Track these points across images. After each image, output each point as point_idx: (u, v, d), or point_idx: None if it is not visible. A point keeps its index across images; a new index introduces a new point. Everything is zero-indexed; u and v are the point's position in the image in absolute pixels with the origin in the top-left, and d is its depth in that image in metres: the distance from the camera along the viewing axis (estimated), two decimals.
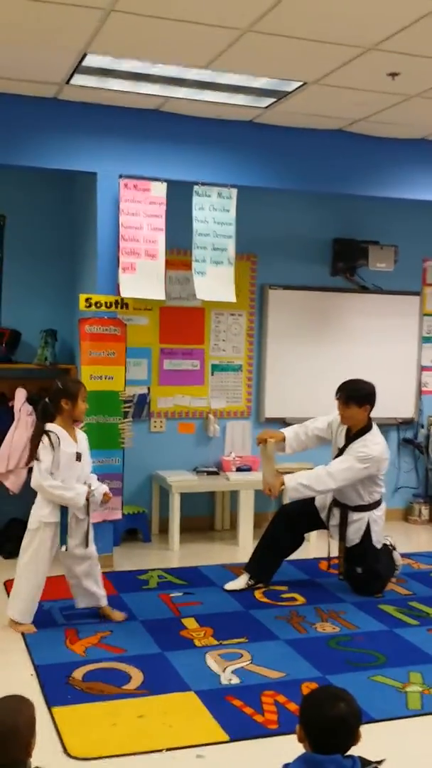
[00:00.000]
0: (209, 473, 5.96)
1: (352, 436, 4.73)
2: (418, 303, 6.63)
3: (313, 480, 4.61)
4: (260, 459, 5.01)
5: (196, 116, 5.12)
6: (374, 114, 5.02)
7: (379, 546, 4.80)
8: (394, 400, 6.55)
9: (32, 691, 3.37)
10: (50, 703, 3.32)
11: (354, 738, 2.03)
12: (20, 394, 5.41)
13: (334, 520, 4.80)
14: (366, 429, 4.71)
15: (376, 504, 4.77)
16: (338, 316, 6.41)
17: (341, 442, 4.78)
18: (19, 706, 2.07)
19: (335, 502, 4.81)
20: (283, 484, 4.65)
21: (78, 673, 3.62)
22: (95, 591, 4.24)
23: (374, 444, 4.66)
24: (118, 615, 4.31)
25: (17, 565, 4.19)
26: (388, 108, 4.88)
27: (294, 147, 5.36)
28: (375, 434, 4.71)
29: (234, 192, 5.19)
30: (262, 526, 6.12)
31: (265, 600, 4.68)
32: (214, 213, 5.15)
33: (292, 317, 6.28)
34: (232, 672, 3.68)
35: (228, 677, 3.62)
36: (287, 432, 4.91)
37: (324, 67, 4.21)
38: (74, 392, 4.05)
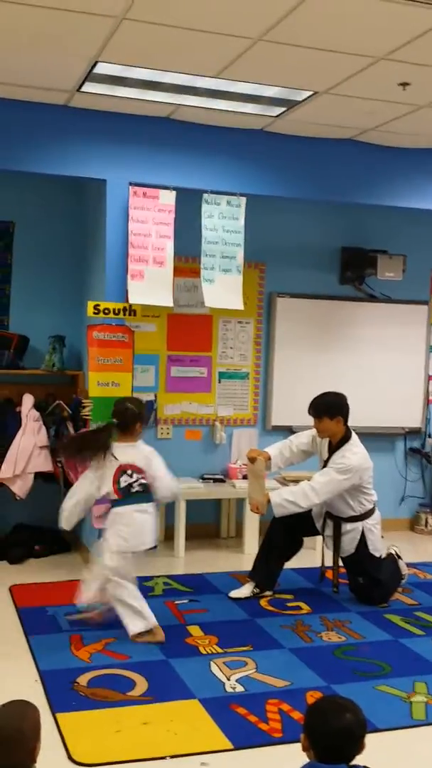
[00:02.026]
0: (215, 480, 5.96)
1: (333, 447, 4.75)
2: (426, 312, 6.62)
3: (297, 495, 4.62)
4: (248, 477, 5.00)
5: (206, 124, 5.14)
6: (384, 123, 5.03)
7: (377, 554, 4.79)
8: (401, 410, 6.54)
9: (37, 697, 3.37)
10: (55, 709, 3.32)
11: (359, 747, 2.02)
12: (27, 400, 5.42)
13: (329, 531, 4.81)
14: (345, 439, 4.72)
15: (369, 513, 4.77)
16: (346, 324, 6.41)
17: (325, 454, 4.81)
18: (24, 710, 2.06)
19: (329, 514, 4.81)
20: (269, 501, 4.66)
21: (83, 679, 3.61)
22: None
23: (353, 454, 4.66)
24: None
25: None
26: (399, 117, 4.89)
27: (304, 156, 5.38)
28: (354, 444, 4.72)
29: (243, 200, 5.20)
30: None
31: (270, 608, 4.67)
32: (223, 221, 5.17)
33: (300, 325, 6.28)
34: (237, 680, 3.66)
35: (233, 685, 3.61)
36: (271, 450, 4.92)
37: (335, 76, 4.23)
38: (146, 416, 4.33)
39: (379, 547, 4.81)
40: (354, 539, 4.73)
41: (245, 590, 4.82)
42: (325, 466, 4.76)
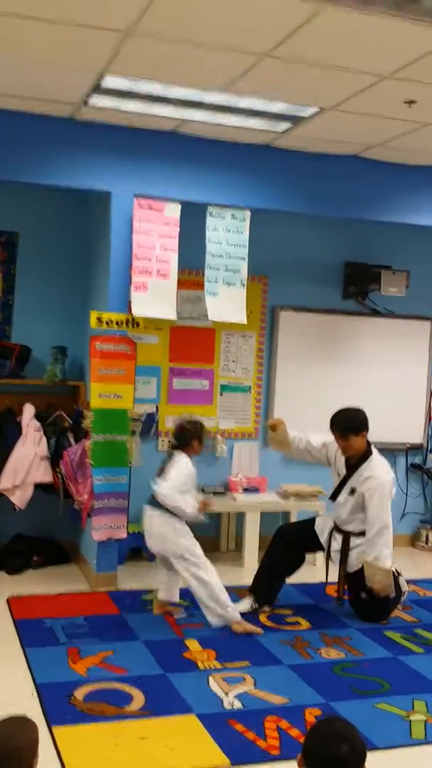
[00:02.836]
0: (216, 493, 5.94)
1: (353, 465, 4.73)
2: (429, 328, 6.62)
3: (388, 542, 4.60)
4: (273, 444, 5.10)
5: (212, 139, 5.16)
6: (390, 140, 5.05)
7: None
8: (402, 425, 6.53)
9: (33, 710, 3.34)
10: (51, 723, 3.29)
11: None
12: (28, 410, 5.42)
13: (336, 545, 4.78)
14: (367, 454, 4.71)
15: None
16: (348, 339, 6.41)
17: (342, 470, 4.79)
18: (22, 726, 2.05)
19: (337, 528, 4.79)
20: (385, 572, 4.60)
21: (79, 693, 3.59)
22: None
23: (384, 471, 4.67)
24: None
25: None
26: (404, 135, 4.91)
27: (309, 171, 5.40)
28: (379, 459, 4.72)
29: (247, 214, 5.22)
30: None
31: (269, 624, 4.64)
32: (228, 234, 5.18)
33: (303, 339, 6.28)
34: (235, 696, 3.64)
35: (231, 701, 3.59)
36: (291, 433, 4.93)
37: (341, 93, 4.25)
38: (202, 435, 4.68)
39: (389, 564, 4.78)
40: (361, 554, 4.70)
41: (244, 605, 4.80)
42: (342, 482, 4.73)
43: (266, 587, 4.84)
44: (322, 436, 4.91)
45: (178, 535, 4.47)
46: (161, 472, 4.59)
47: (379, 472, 4.64)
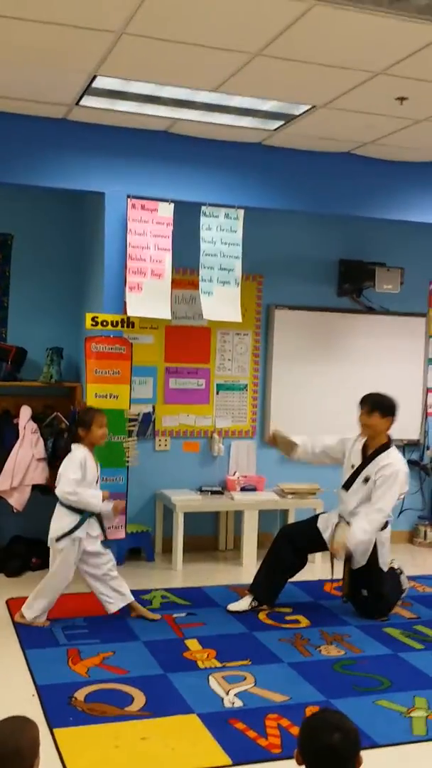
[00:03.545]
0: (213, 493, 5.94)
1: (369, 455, 4.68)
2: (424, 324, 6.63)
3: (363, 537, 4.58)
4: (280, 448, 5.03)
5: (204, 138, 5.16)
6: (382, 137, 5.06)
7: (385, 569, 4.77)
8: (399, 422, 6.49)
9: (34, 712, 3.34)
10: (52, 725, 3.29)
11: (351, 765, 1.99)
12: (25, 412, 5.41)
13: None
14: (386, 446, 4.68)
15: (384, 526, 4.74)
16: (344, 336, 6.41)
17: (356, 460, 4.73)
18: (22, 727, 2.03)
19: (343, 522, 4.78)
20: (347, 549, 4.60)
21: (80, 694, 3.59)
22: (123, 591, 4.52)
23: (400, 462, 4.66)
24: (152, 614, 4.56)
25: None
26: (396, 132, 4.92)
27: (302, 169, 5.40)
28: (395, 451, 4.71)
29: (241, 213, 5.22)
30: (266, 546, 6.10)
31: (269, 622, 4.65)
32: (221, 233, 5.18)
33: (298, 337, 6.29)
34: (236, 695, 3.64)
35: (231, 700, 3.59)
36: (297, 440, 4.90)
37: (333, 91, 4.25)
38: (88, 420, 4.42)
39: (386, 561, 4.79)
40: (367, 551, 4.69)
41: (243, 603, 4.80)
42: (354, 473, 4.69)
43: (267, 587, 4.84)
44: (333, 437, 4.91)
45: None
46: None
47: (396, 461, 4.63)
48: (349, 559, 4.73)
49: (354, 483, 4.71)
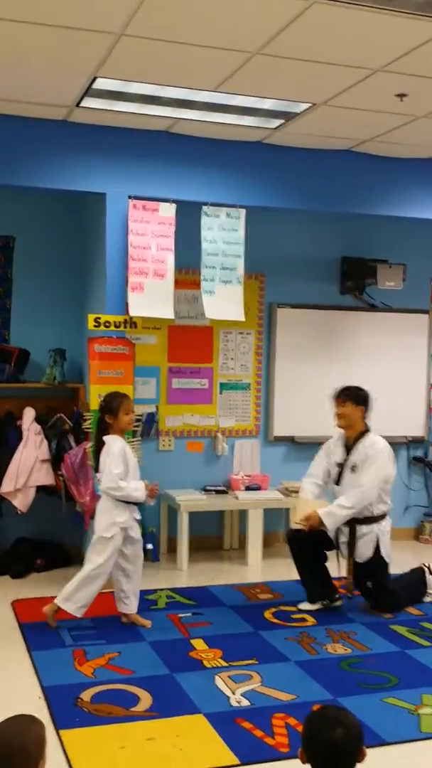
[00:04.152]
0: (218, 492, 5.94)
1: (351, 445, 4.75)
2: (427, 321, 6.62)
3: (346, 513, 4.60)
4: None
5: (205, 137, 5.16)
6: (382, 134, 5.05)
7: (388, 560, 4.78)
8: (403, 419, 6.53)
9: (40, 713, 3.33)
10: (58, 726, 3.29)
11: (355, 759, 1.99)
12: (28, 413, 5.42)
13: (344, 537, 4.77)
14: (365, 432, 4.75)
15: (382, 516, 4.76)
16: (347, 334, 6.41)
17: (339, 455, 4.80)
18: (28, 725, 2.02)
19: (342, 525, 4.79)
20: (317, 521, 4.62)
21: (86, 695, 3.59)
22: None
23: (378, 440, 4.71)
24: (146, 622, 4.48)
25: (87, 566, 4.35)
26: (396, 128, 4.91)
27: (302, 167, 5.39)
28: (375, 435, 4.75)
29: (242, 212, 5.22)
30: (271, 545, 6.12)
31: (275, 621, 4.64)
32: (223, 233, 5.18)
33: (301, 336, 6.28)
34: (242, 694, 3.64)
35: (238, 699, 3.59)
36: (312, 496, 4.86)
37: (332, 88, 4.25)
38: (115, 407, 4.37)
39: (389, 553, 4.79)
40: (371, 542, 4.70)
41: (312, 605, 4.83)
42: (341, 468, 4.74)
43: (319, 586, 4.85)
44: (316, 460, 4.96)
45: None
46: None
47: (377, 442, 4.70)
48: (352, 553, 4.72)
49: (343, 476, 4.76)
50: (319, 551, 4.90)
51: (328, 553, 4.91)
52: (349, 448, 4.78)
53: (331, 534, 4.80)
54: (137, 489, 4.36)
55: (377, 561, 4.73)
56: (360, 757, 2.00)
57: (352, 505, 4.60)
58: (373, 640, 4.35)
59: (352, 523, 4.72)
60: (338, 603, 4.84)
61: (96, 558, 4.33)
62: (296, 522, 4.79)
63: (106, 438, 4.39)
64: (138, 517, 4.46)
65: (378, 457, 4.66)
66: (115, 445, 4.34)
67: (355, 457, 4.73)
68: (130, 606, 4.47)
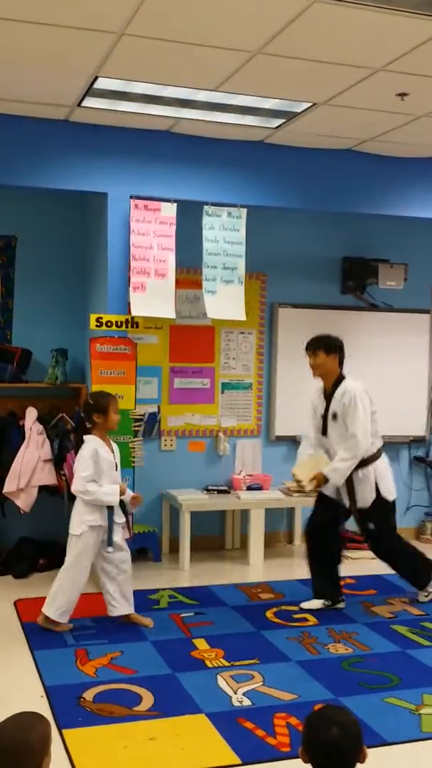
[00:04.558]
0: (220, 492, 5.94)
1: (329, 394, 4.75)
2: (428, 321, 6.62)
3: (347, 464, 4.59)
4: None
5: (206, 137, 5.16)
6: (383, 134, 5.05)
7: (390, 498, 4.74)
8: (404, 418, 6.52)
9: (43, 713, 3.33)
10: (61, 725, 3.29)
11: (355, 759, 1.99)
12: (31, 413, 5.42)
13: (344, 491, 4.74)
14: (340, 379, 4.73)
15: (376, 456, 4.73)
16: (348, 334, 6.35)
17: (321, 407, 4.80)
18: (33, 722, 2.02)
19: None
20: (324, 478, 4.62)
21: (88, 695, 3.59)
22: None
23: (356, 383, 4.69)
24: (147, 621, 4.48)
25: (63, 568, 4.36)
26: (398, 128, 4.91)
27: (304, 167, 5.39)
28: (349, 379, 4.73)
29: (244, 212, 5.22)
30: (273, 545, 6.12)
31: (276, 621, 4.65)
32: (224, 232, 5.18)
33: (302, 335, 6.21)
34: (244, 694, 3.64)
35: (239, 699, 3.59)
36: (305, 455, 4.87)
37: (333, 88, 4.25)
38: (104, 406, 4.31)
39: (392, 490, 4.75)
40: (369, 486, 4.68)
41: (315, 603, 4.82)
42: (324, 418, 4.74)
43: (326, 583, 4.84)
44: (306, 422, 4.95)
45: None
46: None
47: (350, 387, 4.67)
48: (354, 500, 4.70)
49: (328, 425, 4.76)
50: (336, 550, 4.91)
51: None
52: (328, 398, 4.76)
53: (330, 493, 4.77)
54: (109, 494, 4.27)
55: (379, 502, 4.70)
56: (361, 757, 2.00)
57: (352, 455, 4.58)
58: (374, 640, 4.35)
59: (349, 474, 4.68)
60: (340, 605, 4.83)
61: (66, 557, 4.36)
62: (290, 487, 4.76)
63: (85, 438, 4.34)
64: (119, 521, 4.38)
65: (354, 404, 4.61)
66: (87, 446, 4.28)
67: (334, 406, 4.71)
68: (118, 608, 4.40)
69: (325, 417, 4.78)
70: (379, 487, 4.71)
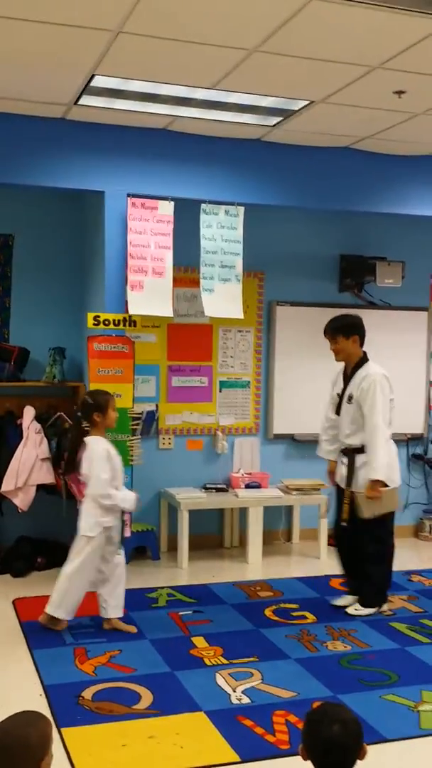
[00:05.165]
0: (218, 490, 5.95)
1: (349, 375, 4.66)
2: (426, 318, 6.62)
3: (381, 452, 4.46)
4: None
5: (203, 135, 5.16)
6: (381, 131, 5.05)
7: (391, 485, 4.57)
8: (403, 416, 6.47)
9: (42, 712, 3.34)
10: (60, 724, 3.29)
11: (355, 756, 2.00)
12: (28, 412, 5.42)
13: (343, 469, 4.66)
14: (363, 361, 4.64)
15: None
16: None
17: (339, 386, 4.72)
18: (33, 720, 2.02)
19: (343, 451, 4.68)
20: (379, 485, 4.48)
21: (87, 693, 3.60)
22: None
23: (379, 368, 4.59)
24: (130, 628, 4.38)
25: (66, 567, 4.30)
26: (395, 125, 4.91)
27: (301, 165, 5.39)
28: (371, 363, 4.63)
29: (241, 210, 5.22)
30: (271, 543, 6.13)
31: (275, 618, 4.65)
32: (222, 231, 5.18)
33: (300, 333, 6.28)
34: (243, 692, 3.65)
35: (238, 697, 3.59)
36: (329, 453, 4.82)
37: (331, 85, 4.24)
38: (104, 404, 4.27)
39: (394, 478, 4.61)
40: (389, 465, 4.55)
41: (346, 600, 4.80)
42: (340, 398, 4.66)
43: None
44: (325, 406, 4.87)
45: None
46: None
47: (371, 372, 4.57)
48: (350, 483, 4.60)
49: (342, 406, 4.69)
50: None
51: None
52: (347, 378, 4.69)
53: (340, 479, 4.71)
54: (125, 500, 4.27)
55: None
56: (360, 754, 2.01)
57: (381, 444, 4.47)
58: (372, 638, 4.36)
59: (351, 454, 4.62)
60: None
61: (75, 557, 4.27)
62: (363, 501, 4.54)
63: (87, 439, 4.24)
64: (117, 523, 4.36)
65: (373, 390, 4.50)
66: (97, 447, 4.20)
67: (351, 388, 4.63)
68: (107, 611, 4.35)
69: (341, 397, 4.70)
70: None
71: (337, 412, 4.75)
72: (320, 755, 1.98)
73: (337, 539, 4.92)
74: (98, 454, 4.18)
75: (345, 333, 4.65)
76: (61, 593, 4.27)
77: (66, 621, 4.33)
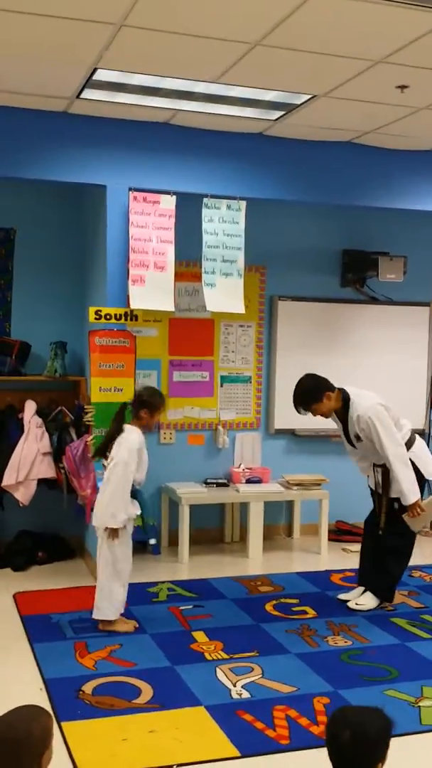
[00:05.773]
0: (219, 485, 5.95)
1: (343, 417, 4.66)
2: (428, 314, 6.61)
3: (403, 472, 4.49)
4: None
5: (205, 129, 5.14)
6: (383, 126, 5.03)
7: (428, 477, 4.66)
8: (404, 412, 6.46)
9: (42, 706, 3.34)
10: (60, 718, 3.30)
11: (372, 761, 1.97)
12: (30, 406, 5.42)
13: (378, 476, 4.68)
14: (347, 401, 4.62)
15: (409, 443, 4.66)
16: (348, 327, 6.39)
17: (340, 428, 4.74)
18: (35, 715, 2.02)
19: (374, 465, 4.71)
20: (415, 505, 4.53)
21: (88, 687, 3.60)
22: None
23: (366, 401, 4.57)
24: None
25: (105, 564, 4.23)
26: (398, 120, 4.89)
27: (303, 159, 5.37)
28: (358, 396, 4.62)
29: (243, 204, 5.20)
30: (272, 537, 6.13)
31: (276, 613, 4.65)
32: (224, 225, 5.16)
33: (302, 328, 6.27)
34: (243, 686, 3.65)
35: (239, 691, 3.60)
36: (364, 470, 4.84)
37: (333, 80, 4.23)
38: (157, 406, 4.33)
39: (430, 471, 4.67)
40: (412, 476, 4.56)
41: (357, 593, 4.81)
42: (347, 436, 4.68)
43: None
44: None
45: None
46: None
47: (362, 409, 4.54)
48: (387, 491, 4.63)
49: (353, 443, 4.69)
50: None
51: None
52: (343, 420, 4.67)
53: (372, 483, 4.74)
54: (128, 508, 4.20)
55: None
56: (379, 759, 1.96)
57: (403, 464, 4.49)
58: (373, 633, 4.36)
59: (384, 468, 4.62)
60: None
61: (107, 555, 4.23)
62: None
63: (126, 426, 4.27)
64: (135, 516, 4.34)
65: (373, 426, 4.49)
66: (133, 437, 4.21)
67: (352, 429, 4.63)
68: (102, 612, 4.26)
69: (347, 436, 4.70)
70: (417, 466, 4.62)
71: (353, 445, 4.74)
72: (334, 756, 1.97)
73: (365, 536, 4.92)
74: (131, 443, 4.20)
75: (315, 399, 4.59)
76: (104, 594, 4.22)
77: (122, 619, 4.30)
